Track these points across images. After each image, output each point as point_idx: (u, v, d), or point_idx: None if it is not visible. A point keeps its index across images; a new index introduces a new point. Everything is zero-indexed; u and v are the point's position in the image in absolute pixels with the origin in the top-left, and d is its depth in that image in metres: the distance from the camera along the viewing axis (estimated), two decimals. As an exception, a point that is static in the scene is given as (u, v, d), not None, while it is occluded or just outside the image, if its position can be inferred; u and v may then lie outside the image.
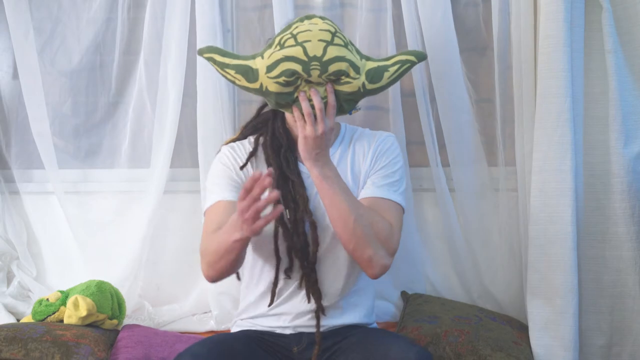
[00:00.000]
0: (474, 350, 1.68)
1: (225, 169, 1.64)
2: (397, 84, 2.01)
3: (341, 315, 1.65)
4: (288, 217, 1.59)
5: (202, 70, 2.04)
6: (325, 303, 1.62)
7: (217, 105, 2.06)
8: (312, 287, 1.60)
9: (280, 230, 1.58)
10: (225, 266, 1.50)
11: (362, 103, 2.03)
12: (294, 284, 1.62)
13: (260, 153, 1.66)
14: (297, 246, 1.58)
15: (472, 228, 2.03)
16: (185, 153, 2.17)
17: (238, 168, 1.64)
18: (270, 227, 1.58)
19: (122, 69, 2.17)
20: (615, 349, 1.82)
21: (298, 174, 1.62)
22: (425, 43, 1.97)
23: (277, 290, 1.62)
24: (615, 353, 1.82)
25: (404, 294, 2.06)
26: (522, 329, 1.85)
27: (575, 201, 1.73)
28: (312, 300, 1.61)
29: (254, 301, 1.67)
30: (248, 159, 1.64)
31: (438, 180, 2.03)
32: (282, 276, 1.61)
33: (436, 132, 2.02)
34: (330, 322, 1.63)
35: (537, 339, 1.76)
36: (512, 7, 1.88)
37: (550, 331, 1.75)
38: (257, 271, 1.66)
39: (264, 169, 1.61)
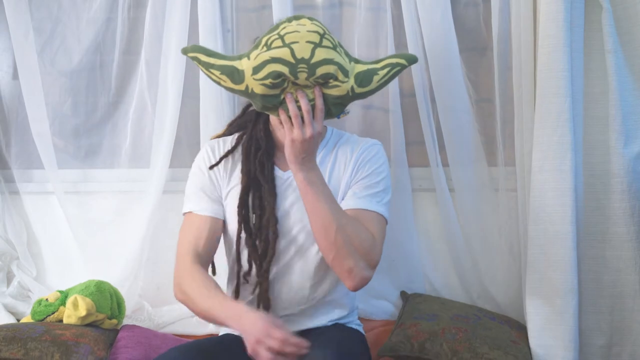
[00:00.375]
0: (472, 348, 1.68)
1: (202, 175, 1.62)
2: (397, 85, 2.01)
3: (310, 320, 1.64)
4: (254, 222, 1.57)
5: (204, 70, 2.05)
6: (286, 312, 1.61)
7: (218, 105, 2.06)
8: (262, 295, 1.58)
9: (244, 235, 1.57)
10: (197, 314, 1.49)
11: (362, 103, 2.06)
12: (251, 288, 1.62)
13: (240, 153, 1.63)
14: (257, 252, 1.56)
15: (472, 228, 2.02)
16: (185, 153, 2.17)
17: (215, 171, 1.62)
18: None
19: (122, 69, 2.18)
20: (615, 349, 1.81)
21: (272, 179, 1.59)
22: (425, 43, 1.96)
23: (240, 291, 1.61)
24: (615, 353, 1.81)
25: (403, 294, 2.06)
26: (521, 329, 1.85)
27: (575, 201, 1.73)
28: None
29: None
30: (221, 159, 1.62)
31: (438, 180, 2.02)
32: (242, 280, 1.61)
33: (436, 132, 2.02)
34: (298, 326, 1.61)
35: (537, 339, 1.76)
36: (512, 7, 1.87)
37: (550, 331, 1.74)
38: (230, 266, 1.67)
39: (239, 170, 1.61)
